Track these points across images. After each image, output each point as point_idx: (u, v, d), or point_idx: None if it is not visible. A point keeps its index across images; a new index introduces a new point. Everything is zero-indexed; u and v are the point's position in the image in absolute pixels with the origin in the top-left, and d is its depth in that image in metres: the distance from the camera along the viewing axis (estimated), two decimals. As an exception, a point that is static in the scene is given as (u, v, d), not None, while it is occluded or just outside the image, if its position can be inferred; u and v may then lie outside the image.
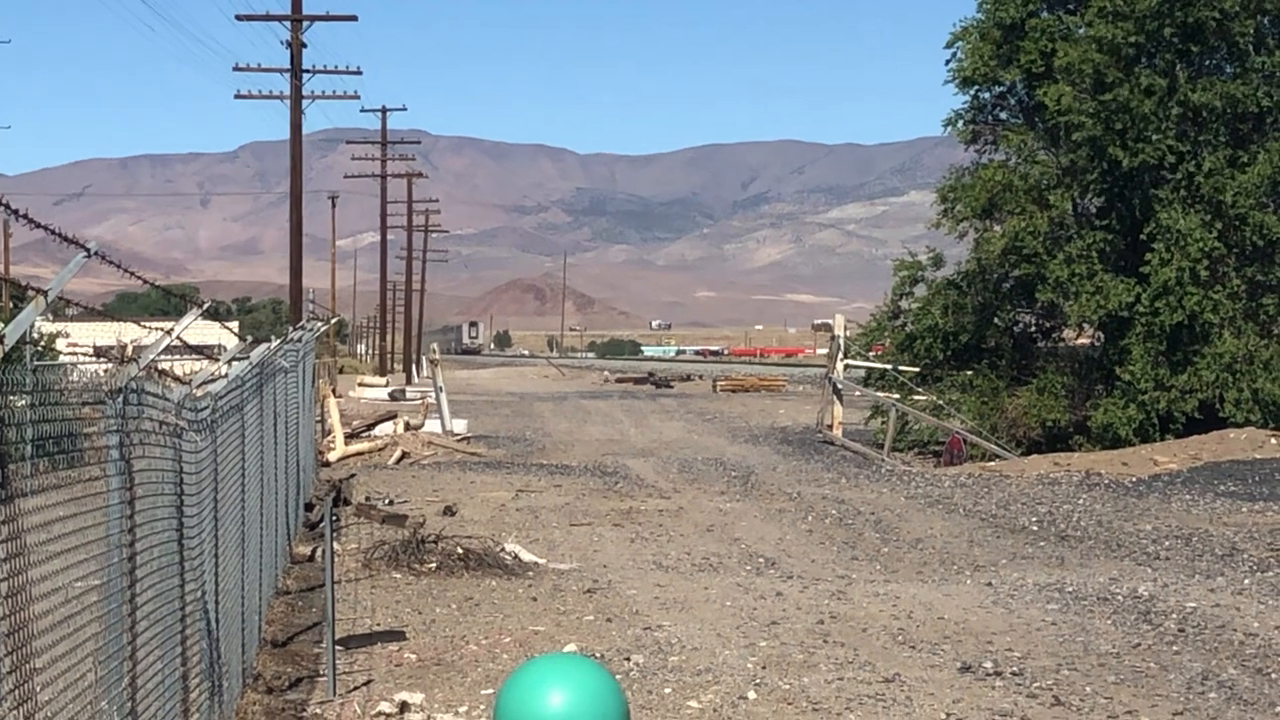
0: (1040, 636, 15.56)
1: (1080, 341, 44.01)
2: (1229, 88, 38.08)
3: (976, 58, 41.50)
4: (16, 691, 5.20)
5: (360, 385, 69.43)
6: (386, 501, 26.97)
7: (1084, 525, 24.97)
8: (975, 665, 14.16)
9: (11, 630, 5.15)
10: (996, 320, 42.40)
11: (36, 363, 25.91)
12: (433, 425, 43.07)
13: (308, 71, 49.25)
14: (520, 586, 18.49)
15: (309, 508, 24.81)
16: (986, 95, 43.16)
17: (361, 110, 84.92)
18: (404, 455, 37.06)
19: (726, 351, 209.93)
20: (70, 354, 38.67)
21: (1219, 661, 14.51)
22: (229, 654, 11.18)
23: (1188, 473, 31.43)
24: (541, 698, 4.19)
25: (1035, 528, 24.84)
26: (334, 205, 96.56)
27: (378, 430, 40.90)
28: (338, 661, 13.41)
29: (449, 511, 25.49)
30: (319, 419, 35.87)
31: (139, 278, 8.31)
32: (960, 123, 43.14)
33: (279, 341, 18.53)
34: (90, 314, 8.72)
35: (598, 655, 14.44)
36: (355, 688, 13.33)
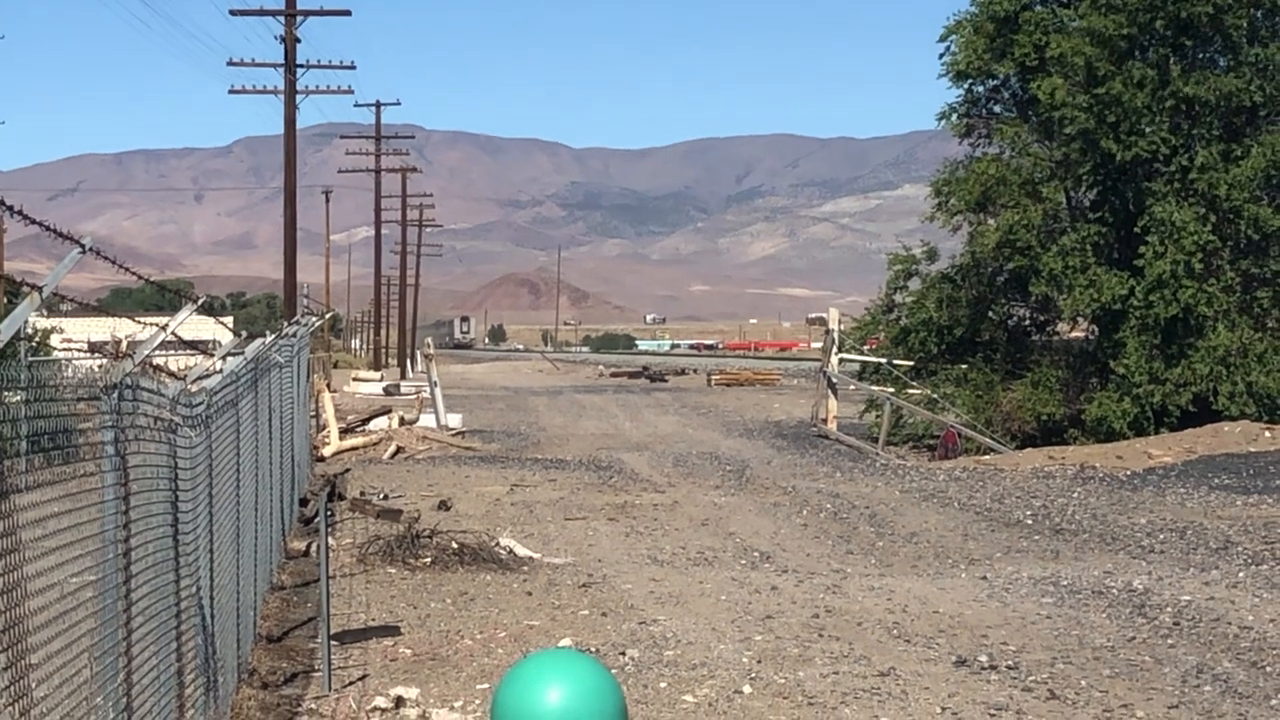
0: (1035, 630, 15.58)
1: (1074, 335, 44.01)
2: (1222, 82, 38.07)
3: (970, 51, 41.51)
4: (12, 688, 5.20)
5: (355, 380, 69.39)
6: (381, 496, 26.96)
7: (1078, 519, 24.99)
8: (970, 659, 14.17)
9: (7, 626, 5.14)
10: (991, 314, 42.41)
11: (31, 358, 25.89)
12: (427, 420, 43.05)
13: (301, 66, 49.22)
14: (515, 581, 18.48)
15: (304, 503, 24.82)
16: (980, 89, 43.19)
17: (356, 105, 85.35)
18: (399, 450, 37.05)
19: (721, 346, 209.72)
20: (65, 349, 38.64)
21: (1214, 655, 14.52)
22: (224, 649, 11.18)
23: (1182, 466, 31.46)
24: (539, 693, 4.20)
25: (1030, 521, 24.86)
26: (328, 200, 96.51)
27: (372, 425, 40.89)
28: (333, 656, 13.41)
29: (444, 506, 25.48)
30: (314, 414, 35.85)
31: (133, 273, 8.31)
32: (954, 116, 43.16)
33: (273, 337, 18.54)
34: (85, 309, 8.71)
35: (593, 650, 14.45)
36: (350, 683, 13.33)
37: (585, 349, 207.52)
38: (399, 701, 12.59)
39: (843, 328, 45.39)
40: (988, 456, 35.85)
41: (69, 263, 5.99)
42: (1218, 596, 17.31)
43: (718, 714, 12.39)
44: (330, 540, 16.88)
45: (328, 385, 44.82)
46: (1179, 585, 18.05)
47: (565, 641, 14.82)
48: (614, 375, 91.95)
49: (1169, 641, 15.09)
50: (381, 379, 71.71)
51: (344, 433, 38.53)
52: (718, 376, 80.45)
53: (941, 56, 42.68)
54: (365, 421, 41.35)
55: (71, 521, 6.36)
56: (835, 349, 43.92)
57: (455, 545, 19.79)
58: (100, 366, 7.05)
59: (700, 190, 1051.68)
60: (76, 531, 6.44)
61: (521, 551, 20.29)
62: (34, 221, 5.87)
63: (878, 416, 41.11)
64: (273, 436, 17.59)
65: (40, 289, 5.66)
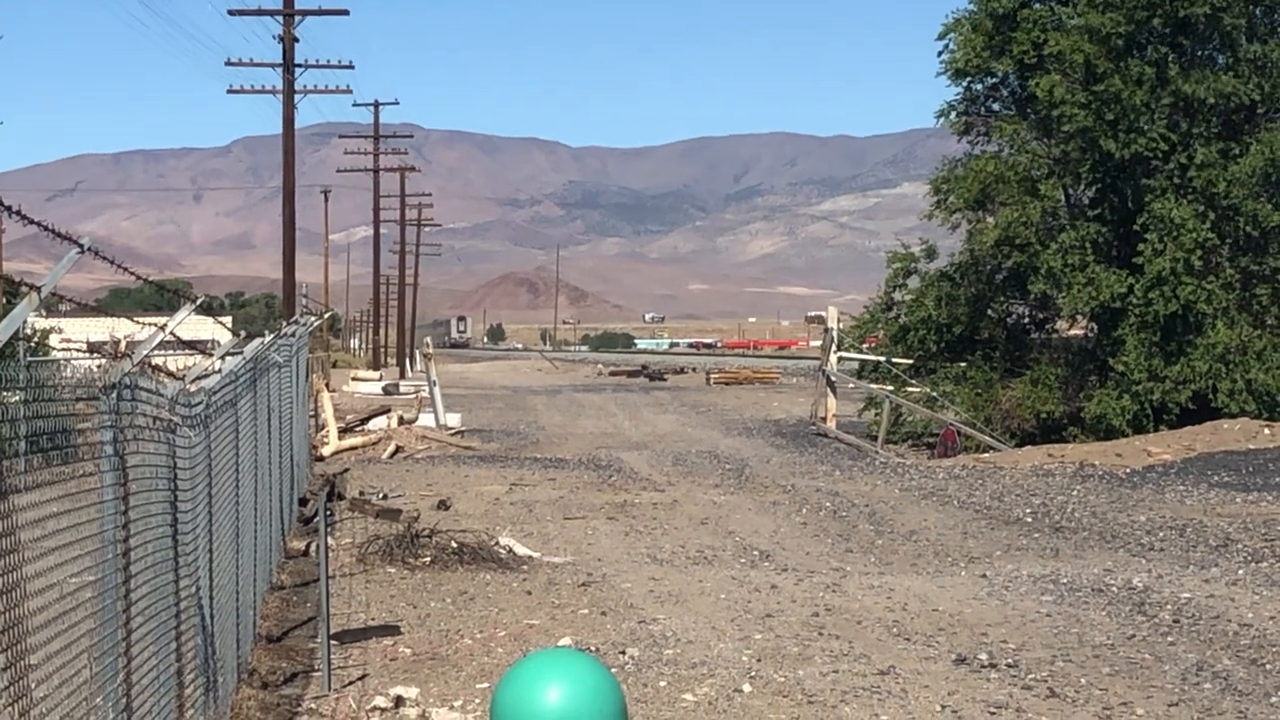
0: (1035, 628, 15.58)
1: (1074, 332, 44.02)
2: (1221, 82, 38.05)
3: (969, 49, 41.49)
4: (12, 688, 5.19)
5: (354, 380, 69.38)
6: (380, 496, 26.96)
7: (1078, 516, 24.99)
8: (970, 657, 14.17)
9: (6, 627, 5.14)
10: (990, 311, 42.41)
11: (30, 359, 25.88)
12: (426, 419, 43.05)
13: (300, 66, 49.21)
14: (515, 580, 18.48)
15: (303, 502, 24.81)
16: (979, 86, 43.17)
17: (354, 105, 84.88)
18: (398, 449, 37.04)
19: (720, 344, 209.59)
20: (64, 350, 38.62)
21: (1213, 652, 14.52)
22: (224, 649, 11.17)
23: (1181, 463, 31.46)
24: (538, 693, 4.19)
25: (1029, 519, 24.86)
26: (327, 200, 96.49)
27: (371, 425, 40.88)
28: (332, 656, 13.40)
29: (443, 506, 25.48)
30: (313, 414, 35.85)
31: (132, 273, 8.30)
32: (953, 114, 43.15)
33: (272, 336, 18.53)
34: (83, 309, 8.70)
35: (593, 649, 14.45)
36: (350, 682, 13.32)
37: (584, 348, 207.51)
38: (399, 701, 12.59)
39: (842, 326, 45.40)
40: (987, 454, 35.85)
41: (67, 263, 5.98)
42: (1217, 594, 17.32)
43: (718, 713, 12.39)
44: (330, 540, 16.88)
45: (327, 385, 44.82)
46: (1179, 583, 18.05)
47: (565, 640, 14.82)
48: (613, 374, 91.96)
49: (1169, 639, 15.09)
50: (380, 378, 71.72)
51: (343, 432, 38.53)
52: (717, 375, 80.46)
53: (940, 54, 42.71)
54: (364, 421, 41.34)
55: (71, 522, 6.35)
56: (834, 347, 43.92)
57: (455, 544, 19.79)
58: (99, 366, 7.05)
59: (698, 189, 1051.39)
60: (75, 532, 6.43)
61: (521, 550, 20.29)
62: (32, 221, 5.86)
63: (877, 415, 41.11)
64: (272, 436, 17.59)
65: (39, 289, 5.65)
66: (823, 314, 50.26)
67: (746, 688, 13.02)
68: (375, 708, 12.42)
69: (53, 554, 6.00)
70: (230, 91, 52.33)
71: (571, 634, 15.23)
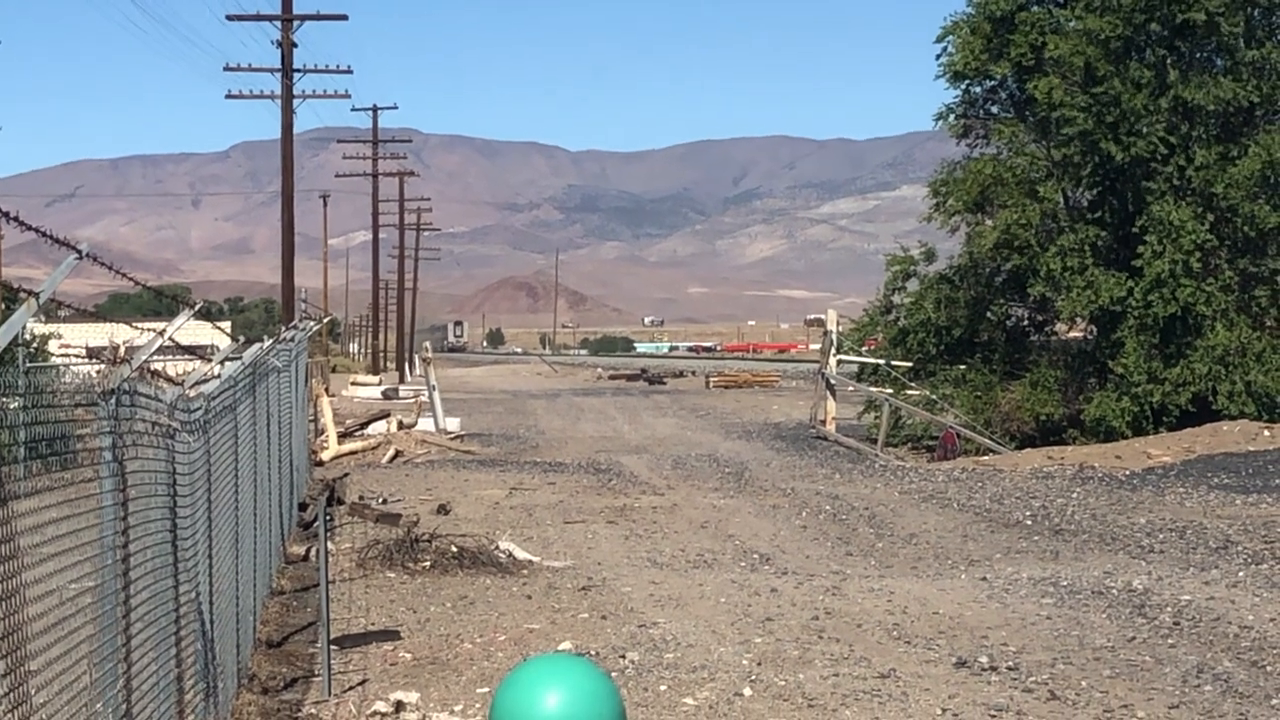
0: (1035, 631, 15.57)
1: (1073, 335, 44.02)
2: (1220, 88, 38.03)
3: (967, 51, 41.51)
4: (12, 694, 5.19)
5: (353, 384, 69.38)
6: (380, 500, 26.95)
7: (1078, 519, 24.98)
8: (970, 660, 14.16)
9: (6, 633, 5.14)
10: (989, 314, 42.40)
11: (29, 364, 25.88)
12: (426, 424, 43.06)
13: (298, 71, 49.22)
14: (515, 585, 18.47)
15: (303, 507, 24.80)
16: (977, 89, 43.20)
17: (353, 109, 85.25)
18: (397, 454, 37.03)
19: (719, 348, 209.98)
20: (63, 355, 38.63)
21: (1214, 654, 14.51)
22: (224, 655, 11.17)
23: (1181, 465, 31.45)
24: (537, 698, 4.18)
25: (1029, 522, 24.85)
26: (325, 204, 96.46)
27: (371, 429, 40.88)
28: (333, 661, 13.39)
29: (443, 510, 25.47)
30: (312, 418, 35.84)
31: (130, 279, 8.30)
32: (951, 117, 43.17)
33: (271, 341, 18.52)
34: (82, 315, 8.70)
35: (593, 653, 14.44)
36: (350, 687, 13.31)
37: (583, 352, 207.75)
38: (399, 706, 12.58)
39: (841, 329, 45.40)
40: (987, 457, 35.85)
41: (66, 268, 5.98)
42: (1218, 596, 17.31)
43: (718, 716, 12.38)
44: (329, 545, 16.87)
45: (326, 390, 44.81)
46: (1179, 585, 18.04)
47: (565, 645, 14.81)
48: (612, 378, 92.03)
49: (1169, 641, 15.08)
50: (380, 383, 71.71)
51: (342, 437, 38.52)
52: (716, 378, 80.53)
53: (939, 57, 42.73)
54: (364, 426, 41.34)
55: (70, 527, 6.35)
56: (834, 350, 43.92)
57: (454, 549, 19.78)
58: (98, 372, 7.04)
59: (697, 192, 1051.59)
60: (75, 538, 6.43)
61: (521, 555, 20.28)
62: (31, 228, 5.86)
63: (876, 418, 41.10)
64: (271, 441, 17.58)
65: (37, 295, 5.65)
66: (822, 317, 50.26)
67: (747, 691, 13.02)
68: (376, 713, 12.41)
69: (52, 560, 5.99)
70: (229, 97, 52.31)
71: (571, 638, 15.22)
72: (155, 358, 8.19)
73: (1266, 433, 34.35)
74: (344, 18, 50.45)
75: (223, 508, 11.61)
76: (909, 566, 20.81)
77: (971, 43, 41.44)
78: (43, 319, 42.68)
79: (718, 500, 28.04)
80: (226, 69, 51.17)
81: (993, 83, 42.91)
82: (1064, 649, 14.70)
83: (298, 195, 49.61)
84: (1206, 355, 37.34)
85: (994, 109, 43.42)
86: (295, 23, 48.98)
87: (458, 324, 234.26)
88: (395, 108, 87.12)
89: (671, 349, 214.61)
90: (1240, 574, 19.12)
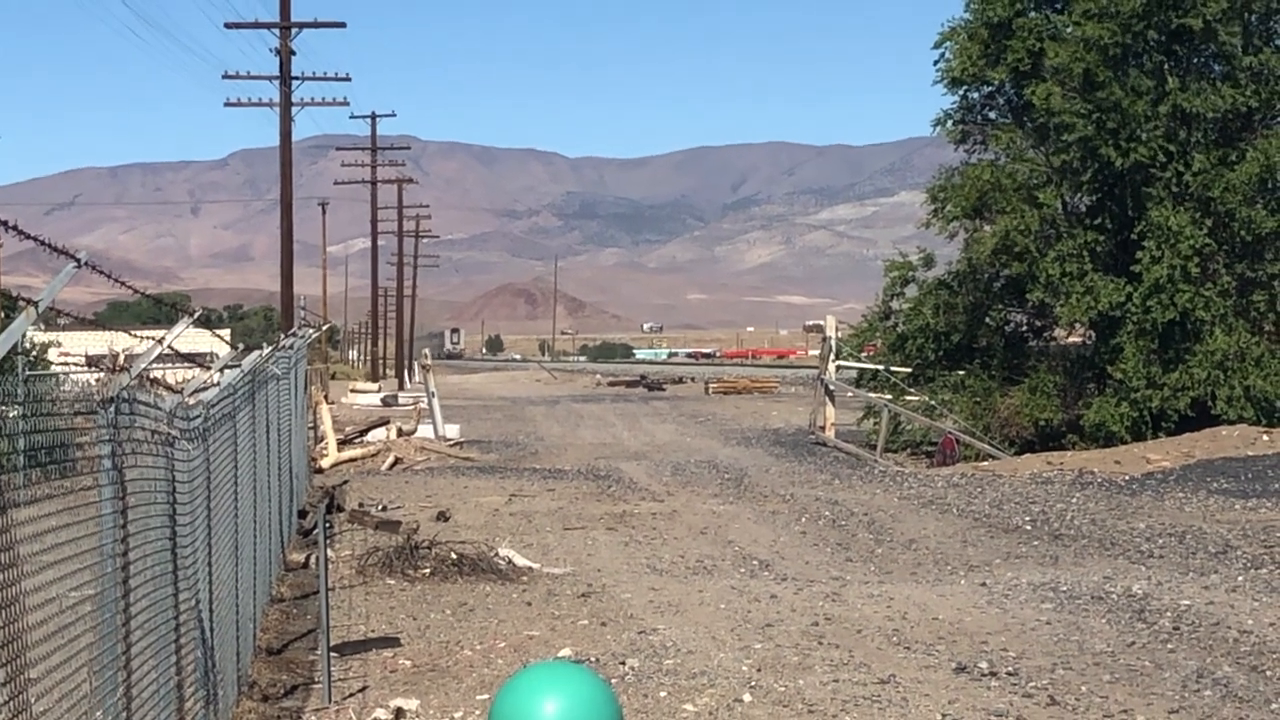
0: (1035, 636, 15.57)
1: (1072, 340, 44.04)
2: (1218, 96, 38.04)
3: (965, 57, 41.54)
4: (12, 702, 5.19)
5: (352, 391, 69.40)
6: (380, 507, 26.94)
7: (1077, 524, 24.99)
8: (970, 665, 14.17)
9: (6, 641, 5.14)
10: (988, 320, 42.42)
11: (29, 373, 25.88)
12: (425, 430, 43.06)
13: (297, 78, 49.25)
14: (514, 591, 18.48)
15: (303, 514, 24.80)
16: (975, 95, 43.26)
17: (351, 117, 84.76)
18: (397, 461, 37.04)
19: (718, 354, 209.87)
20: (62, 364, 38.61)
21: (1214, 659, 14.52)
22: (224, 662, 11.17)
23: (1180, 470, 31.45)
24: (536, 705, 4.19)
25: (1029, 527, 24.85)
26: (324, 212, 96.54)
27: (370, 436, 40.89)
28: (333, 668, 13.40)
29: (442, 517, 25.47)
30: (311, 426, 35.84)
31: (129, 287, 8.31)
32: (949, 123, 43.20)
33: (271, 349, 18.53)
34: (82, 323, 8.70)
35: (593, 660, 14.44)
36: (350, 694, 13.31)
37: (582, 358, 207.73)
38: (399, 713, 12.59)
39: (840, 335, 45.42)
40: (986, 463, 35.85)
41: (64, 277, 5.99)
42: (1217, 601, 17.32)
43: (718, 723, 12.38)
44: (329, 552, 16.86)
45: (325, 397, 44.82)
46: (1178, 590, 18.05)
47: (565, 652, 14.81)
48: (611, 384, 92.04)
49: (1169, 646, 15.09)
50: (379, 390, 71.76)
51: (342, 444, 38.52)
52: (715, 385, 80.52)
53: (936, 63, 42.79)
54: (363, 433, 41.34)
55: (70, 536, 6.36)
56: (833, 356, 43.93)
57: (454, 556, 19.78)
58: (97, 380, 7.05)
59: (696, 199, 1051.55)
60: (75, 546, 6.43)
61: (520, 562, 20.28)
62: (29, 237, 5.87)
63: (876, 423, 41.10)
64: (270, 449, 17.58)
65: (36, 303, 5.66)
66: (821, 323, 50.27)
67: (747, 698, 13.02)
68: (375, 720, 12.42)
69: (52, 568, 6.00)
70: (227, 105, 52.37)
71: (571, 645, 15.22)
72: (155, 366, 8.21)
73: (1265, 437, 34.35)
74: (342, 25, 50.57)
75: (222, 515, 11.62)
76: (908, 572, 20.81)
77: (969, 48, 41.48)
78: (42, 327, 42.65)
79: (717, 506, 28.04)
80: (225, 77, 51.20)
81: (990, 88, 42.96)
82: (1064, 654, 14.71)
83: (297, 203, 49.64)
84: (1205, 360, 37.35)
85: (992, 115, 43.46)
86: (293, 30, 49.02)
87: (454, 331, 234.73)
88: (394, 115, 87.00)
89: (671, 355, 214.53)
90: (1240, 579, 19.12)
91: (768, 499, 29.16)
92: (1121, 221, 39.82)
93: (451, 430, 44.07)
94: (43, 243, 6.04)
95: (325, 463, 36.07)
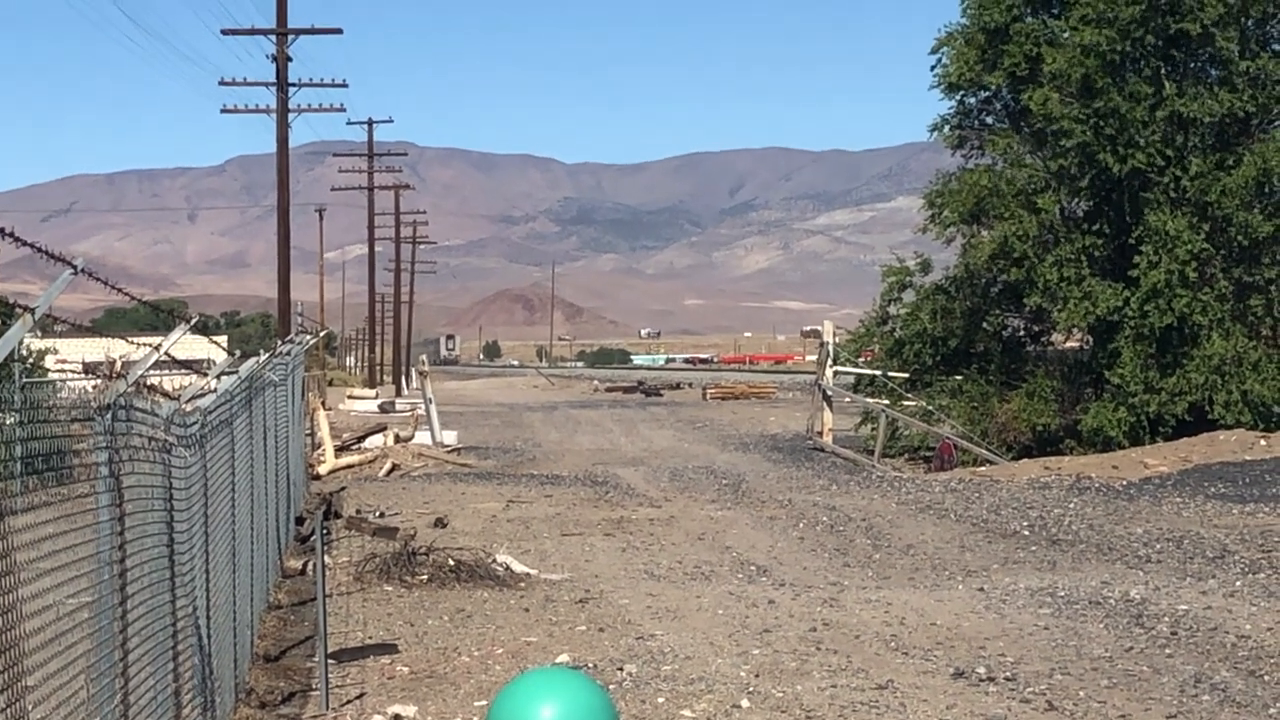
0: (1033, 641, 15.57)
1: (1069, 345, 44.05)
2: (1216, 101, 38.06)
3: (962, 63, 41.56)
4: (9, 709, 5.19)
5: (350, 398, 69.37)
6: (377, 514, 26.93)
7: (1075, 529, 24.98)
8: (968, 671, 14.16)
9: (3, 648, 5.14)
10: (985, 325, 42.42)
11: (25, 380, 25.88)
12: (422, 437, 43.03)
13: (293, 85, 49.26)
14: (512, 597, 18.47)
15: (300, 521, 24.79)
16: (972, 100, 43.26)
17: (348, 123, 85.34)
18: (394, 467, 37.02)
19: (716, 359, 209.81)
20: (59, 370, 38.61)
21: (1212, 664, 14.52)
22: (221, 669, 11.16)
23: (1178, 475, 31.44)
24: (534, 710, 4.19)
25: (1026, 532, 24.84)
26: (321, 218, 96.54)
27: (368, 443, 40.86)
28: (330, 675, 13.39)
29: (440, 523, 25.46)
30: (309, 432, 35.82)
31: (127, 293, 8.30)
32: (946, 128, 43.23)
33: (268, 355, 18.52)
34: (78, 330, 8.71)
35: (590, 665, 14.44)
36: (348, 701, 13.31)
37: (580, 364, 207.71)
38: (396, 719, 12.58)
39: (837, 340, 45.41)
40: (984, 468, 35.85)
41: (61, 284, 5.98)
42: (1215, 605, 17.31)
43: (716, 728, 12.38)
44: (327, 558, 16.85)
45: (323, 403, 44.79)
46: (1176, 595, 18.05)
47: (563, 657, 14.81)
48: (609, 390, 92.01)
49: (1166, 651, 15.09)
50: (376, 396, 71.69)
51: (339, 450, 38.51)
52: (713, 390, 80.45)
53: (933, 68, 42.80)
54: (360, 439, 41.33)
55: (67, 543, 6.35)
56: (830, 361, 43.92)
57: (452, 562, 19.77)
58: (94, 387, 7.05)
59: (693, 204, 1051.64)
60: (72, 553, 6.43)
61: (518, 568, 20.27)
62: (26, 243, 5.87)
63: (873, 429, 41.11)
64: (268, 455, 17.58)
65: (33, 310, 5.65)
66: (818, 328, 50.32)
67: (745, 703, 13.01)
68: (373, 726, 12.40)
69: (49, 575, 6.00)
70: (224, 111, 52.34)
71: (569, 651, 15.21)
72: (151, 372, 8.20)
73: (1263, 442, 34.35)
74: (339, 32, 50.50)
75: (219, 522, 11.61)
76: (906, 577, 20.80)
77: (966, 54, 41.50)
78: (39, 334, 42.67)
79: (715, 512, 28.03)
80: (222, 83, 51.17)
81: (987, 94, 42.98)
82: (1061, 659, 14.70)
83: (294, 209, 49.64)
84: (1203, 365, 37.36)
85: (989, 120, 43.49)
86: (290, 37, 49.01)
87: (450, 337, 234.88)
88: (391, 121, 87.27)
89: (668, 361, 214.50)
90: (1237, 583, 19.12)
91: (765, 504, 29.15)
92: (1119, 226, 39.84)
93: (449, 436, 44.04)
94: (39, 249, 6.04)
95: (323, 469, 36.06)
